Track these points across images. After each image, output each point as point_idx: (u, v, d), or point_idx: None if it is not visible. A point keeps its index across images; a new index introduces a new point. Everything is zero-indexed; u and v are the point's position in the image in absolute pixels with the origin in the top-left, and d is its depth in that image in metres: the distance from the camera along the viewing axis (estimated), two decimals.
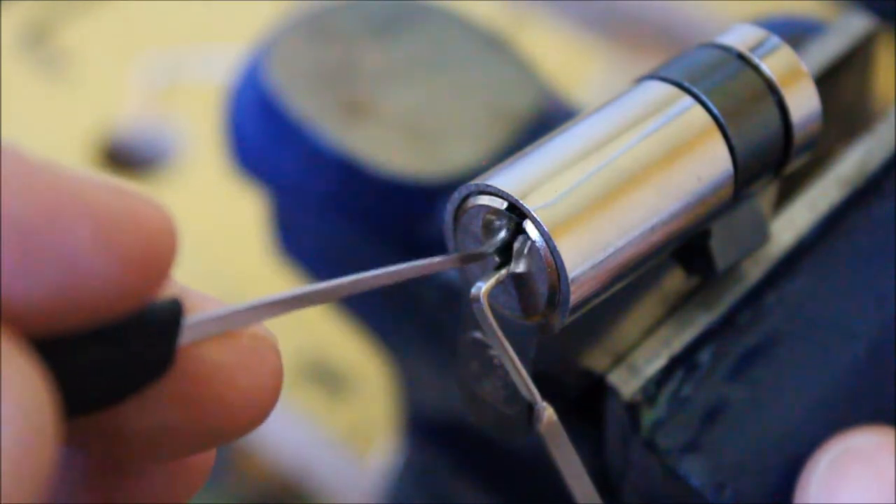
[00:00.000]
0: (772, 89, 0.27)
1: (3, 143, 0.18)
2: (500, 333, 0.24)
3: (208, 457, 0.23)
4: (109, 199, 0.18)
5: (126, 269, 0.18)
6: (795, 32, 0.35)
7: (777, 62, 0.27)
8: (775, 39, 0.27)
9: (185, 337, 0.20)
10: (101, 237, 0.18)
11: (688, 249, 0.27)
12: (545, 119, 0.40)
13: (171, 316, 0.20)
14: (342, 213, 0.39)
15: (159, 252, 0.19)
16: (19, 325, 0.17)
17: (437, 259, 0.24)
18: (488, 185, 0.24)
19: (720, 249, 0.28)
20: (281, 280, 0.49)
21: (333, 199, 0.39)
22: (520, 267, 0.24)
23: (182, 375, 0.20)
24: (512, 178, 0.24)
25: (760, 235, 0.29)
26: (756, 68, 0.27)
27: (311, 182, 0.39)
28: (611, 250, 0.24)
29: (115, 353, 0.19)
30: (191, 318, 0.20)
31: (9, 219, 0.17)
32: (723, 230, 0.27)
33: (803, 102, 0.27)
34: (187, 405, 0.20)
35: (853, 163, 0.32)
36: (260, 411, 0.21)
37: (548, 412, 0.25)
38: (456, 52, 0.42)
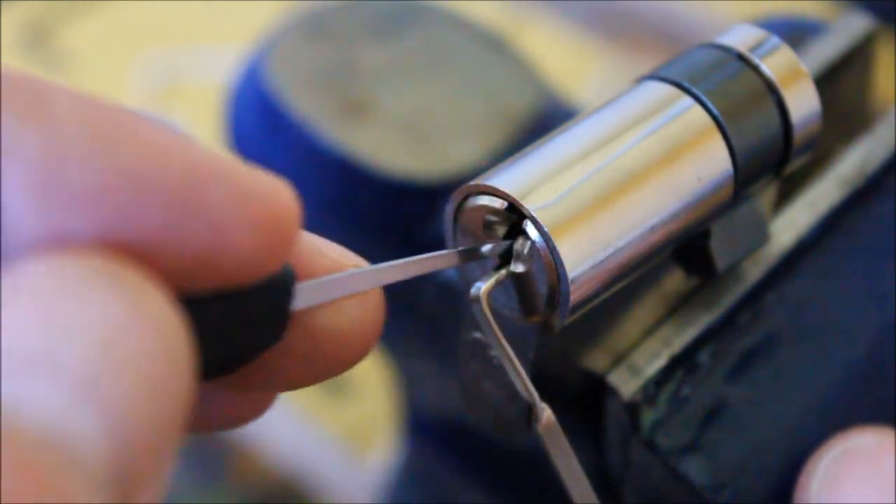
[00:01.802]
0: (771, 89, 0.27)
1: (150, 114, 0.19)
2: (499, 334, 0.24)
3: None
4: (243, 173, 0.20)
5: (258, 239, 0.19)
6: (795, 32, 0.35)
7: (777, 62, 0.27)
8: (775, 40, 0.27)
9: (297, 302, 0.21)
10: (240, 207, 0.19)
11: (688, 250, 0.27)
12: (545, 119, 0.40)
13: (284, 285, 0.21)
14: (342, 213, 0.39)
15: (286, 226, 0.20)
16: (168, 281, 0.19)
17: (433, 255, 0.24)
18: (488, 186, 0.24)
19: (720, 250, 0.28)
20: None
21: (333, 199, 0.39)
22: (520, 267, 0.24)
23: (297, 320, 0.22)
24: (512, 179, 0.24)
25: (760, 236, 0.29)
26: (756, 68, 0.27)
27: (311, 182, 0.39)
28: (611, 250, 0.24)
29: (237, 319, 0.20)
30: (301, 285, 0.21)
31: (166, 180, 0.18)
32: (723, 231, 0.27)
33: (803, 102, 0.27)
34: (304, 344, 0.22)
35: (853, 163, 0.32)
36: (367, 342, 0.23)
37: (546, 413, 0.25)
38: (456, 52, 0.42)
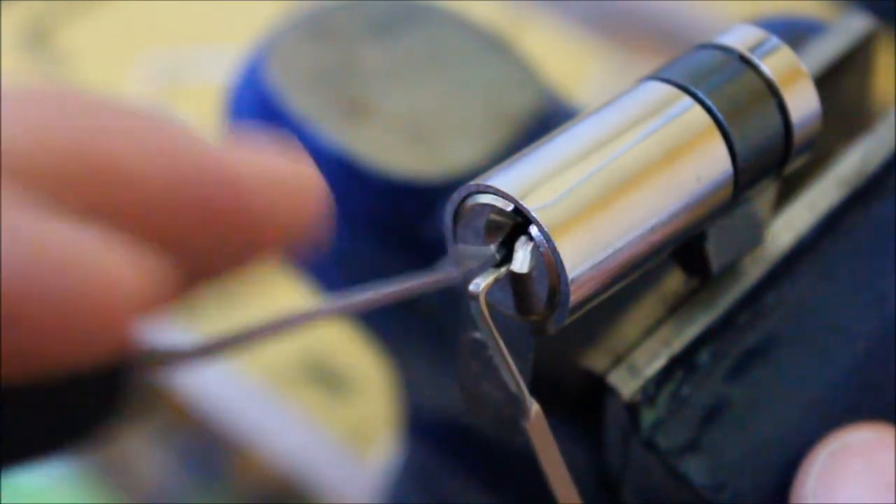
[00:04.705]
0: (771, 90, 0.27)
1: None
2: (494, 330, 0.24)
3: None
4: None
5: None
6: (795, 32, 0.35)
7: (777, 63, 0.27)
8: (775, 40, 0.27)
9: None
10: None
11: (687, 250, 0.28)
12: (545, 119, 0.40)
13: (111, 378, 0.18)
14: (341, 214, 0.39)
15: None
16: None
17: (437, 274, 0.24)
18: (488, 186, 0.24)
19: (716, 251, 0.28)
20: (279, 280, 0.49)
21: (333, 200, 0.39)
22: (519, 266, 0.24)
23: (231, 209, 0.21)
24: (512, 179, 0.24)
25: (756, 236, 0.29)
26: (756, 69, 0.27)
27: None
28: (611, 250, 0.24)
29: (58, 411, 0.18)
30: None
31: None
32: (718, 231, 0.27)
33: (803, 103, 0.27)
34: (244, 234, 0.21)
35: (853, 163, 0.32)
36: (308, 213, 0.23)
37: (534, 408, 0.25)
38: (456, 52, 0.42)
